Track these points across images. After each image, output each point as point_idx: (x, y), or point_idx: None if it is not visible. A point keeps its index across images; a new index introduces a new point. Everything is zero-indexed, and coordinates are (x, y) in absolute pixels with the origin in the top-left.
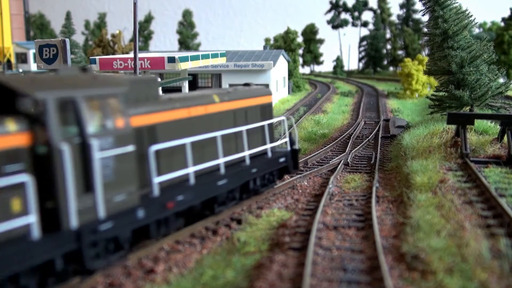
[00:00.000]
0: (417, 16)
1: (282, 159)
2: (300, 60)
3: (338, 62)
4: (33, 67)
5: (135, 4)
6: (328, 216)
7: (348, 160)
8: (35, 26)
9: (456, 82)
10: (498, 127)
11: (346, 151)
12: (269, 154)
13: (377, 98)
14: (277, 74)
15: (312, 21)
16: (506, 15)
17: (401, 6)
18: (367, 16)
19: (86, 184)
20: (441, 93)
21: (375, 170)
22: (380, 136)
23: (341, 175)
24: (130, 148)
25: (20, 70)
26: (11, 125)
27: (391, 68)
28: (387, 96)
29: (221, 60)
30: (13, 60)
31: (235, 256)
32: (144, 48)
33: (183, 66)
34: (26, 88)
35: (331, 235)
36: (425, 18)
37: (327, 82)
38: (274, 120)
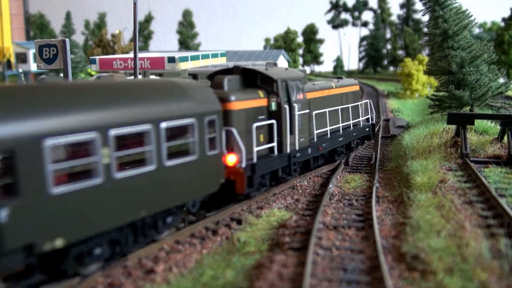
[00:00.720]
0: (417, 16)
1: (367, 129)
2: (300, 60)
3: (338, 62)
4: (33, 67)
5: (135, 4)
6: (328, 216)
7: (348, 160)
8: (35, 26)
9: (456, 82)
10: (498, 127)
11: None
12: (361, 124)
13: (377, 98)
14: None
15: (312, 21)
16: (506, 15)
17: (401, 6)
18: (367, 16)
19: (291, 129)
20: (441, 93)
21: (375, 170)
22: (380, 136)
23: (341, 175)
24: (307, 111)
25: (20, 70)
26: (261, 93)
27: (391, 68)
28: (387, 96)
29: (221, 60)
30: (13, 60)
31: (235, 256)
32: (144, 48)
33: (183, 66)
34: (269, 73)
35: (331, 235)
36: (425, 18)
37: None
38: (363, 102)
